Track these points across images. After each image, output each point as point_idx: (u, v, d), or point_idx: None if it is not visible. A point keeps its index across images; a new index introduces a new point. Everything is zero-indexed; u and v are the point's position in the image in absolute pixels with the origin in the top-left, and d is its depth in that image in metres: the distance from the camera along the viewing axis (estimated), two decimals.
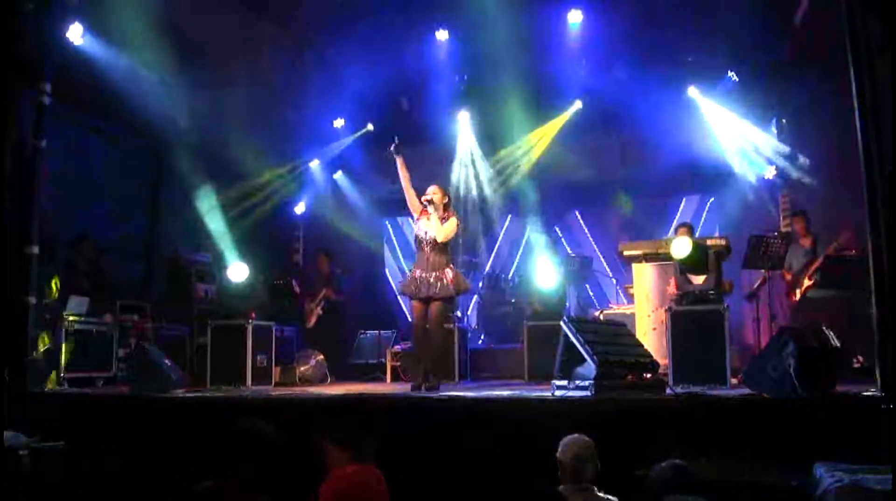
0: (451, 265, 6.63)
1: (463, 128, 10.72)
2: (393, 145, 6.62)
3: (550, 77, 9.57)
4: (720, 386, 5.67)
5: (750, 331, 8.45)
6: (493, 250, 11.70)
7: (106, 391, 6.87)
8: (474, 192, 10.81)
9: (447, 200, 6.68)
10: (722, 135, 9.56)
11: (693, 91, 9.59)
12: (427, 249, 6.57)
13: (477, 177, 10.81)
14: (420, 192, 6.71)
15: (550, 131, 10.43)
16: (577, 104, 10.21)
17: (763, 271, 7.34)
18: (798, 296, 7.73)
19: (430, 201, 6.54)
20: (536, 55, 9.17)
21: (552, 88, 9.72)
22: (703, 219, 10.64)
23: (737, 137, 9.50)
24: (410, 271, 6.70)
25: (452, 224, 6.58)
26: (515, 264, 11.36)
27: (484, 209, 10.88)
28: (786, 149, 9.15)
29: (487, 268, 11.21)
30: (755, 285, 8.01)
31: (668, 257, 6.88)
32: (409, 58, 9.54)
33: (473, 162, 10.85)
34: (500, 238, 11.75)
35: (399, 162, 6.66)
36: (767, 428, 4.37)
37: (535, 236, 10.14)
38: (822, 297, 7.54)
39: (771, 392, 4.78)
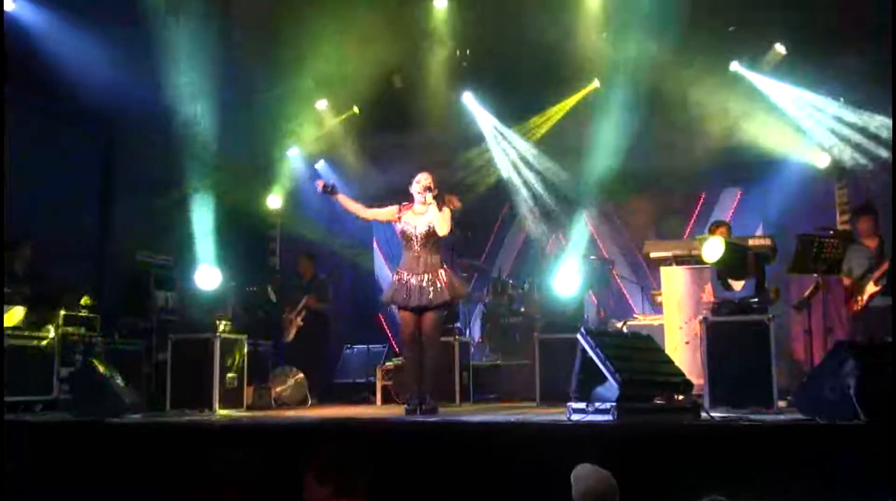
0: (445, 266, 6.55)
1: (475, 109, 10.77)
2: (327, 187, 6.71)
3: (565, 53, 9.51)
4: (765, 410, 5.65)
5: (800, 345, 8.37)
6: (498, 254, 11.63)
7: (46, 417, 6.77)
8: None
9: (436, 191, 6.54)
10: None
11: (735, 66, 9.53)
12: (418, 246, 6.47)
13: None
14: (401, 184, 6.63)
15: (560, 113, 10.41)
16: (595, 83, 10.16)
17: (816, 275, 7.25)
18: (860, 305, 7.62)
19: (429, 188, 6.42)
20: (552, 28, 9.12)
21: (567, 63, 9.66)
22: (743, 215, 10.57)
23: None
24: (396, 275, 6.62)
25: (448, 214, 6.46)
26: (525, 268, 11.29)
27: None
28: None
29: (493, 273, 11.13)
30: (806, 293, 7.92)
31: (702, 260, 6.81)
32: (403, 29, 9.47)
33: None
34: (507, 239, 11.70)
35: (340, 201, 6.75)
36: (823, 460, 4.28)
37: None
38: (889, 306, 7.43)
39: (827, 417, 4.72)
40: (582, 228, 10.54)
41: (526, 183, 10.78)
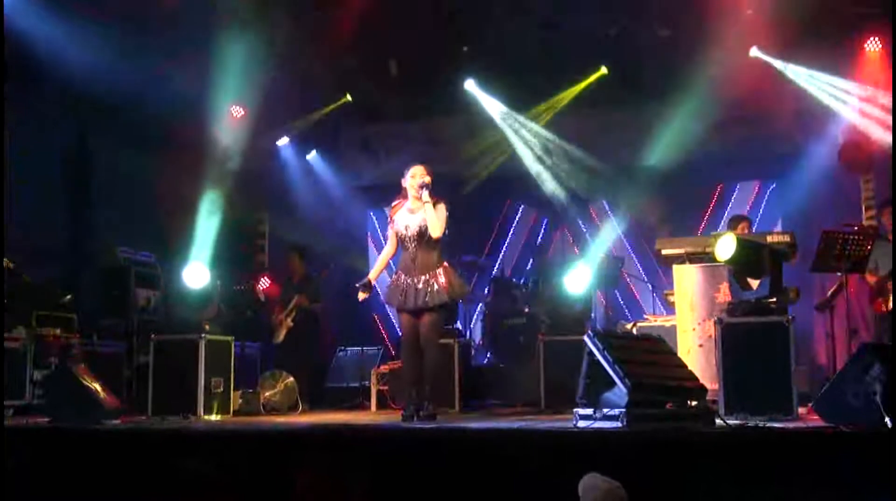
0: (445, 264, 6.51)
1: (479, 96, 10.82)
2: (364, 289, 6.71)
3: (570, 34, 9.51)
4: (784, 417, 5.62)
5: (822, 348, 8.35)
6: (501, 248, 11.63)
7: (17, 422, 6.76)
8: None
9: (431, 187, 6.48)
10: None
11: (755, 51, 9.54)
12: (412, 247, 6.45)
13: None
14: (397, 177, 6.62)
15: (565, 102, 10.42)
16: (602, 70, 10.15)
17: (839, 274, 7.24)
18: (888, 306, 7.62)
19: (424, 185, 6.37)
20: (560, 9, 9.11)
21: (573, 47, 9.65)
22: (761, 210, 10.56)
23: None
24: (394, 275, 6.61)
25: (443, 210, 6.42)
26: (530, 265, 11.29)
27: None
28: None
29: (495, 270, 11.13)
30: (829, 292, 7.91)
31: (716, 257, 6.79)
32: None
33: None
34: (510, 233, 11.70)
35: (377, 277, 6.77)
36: (847, 470, 4.26)
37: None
38: None
39: (851, 424, 4.69)
40: (589, 223, 10.55)
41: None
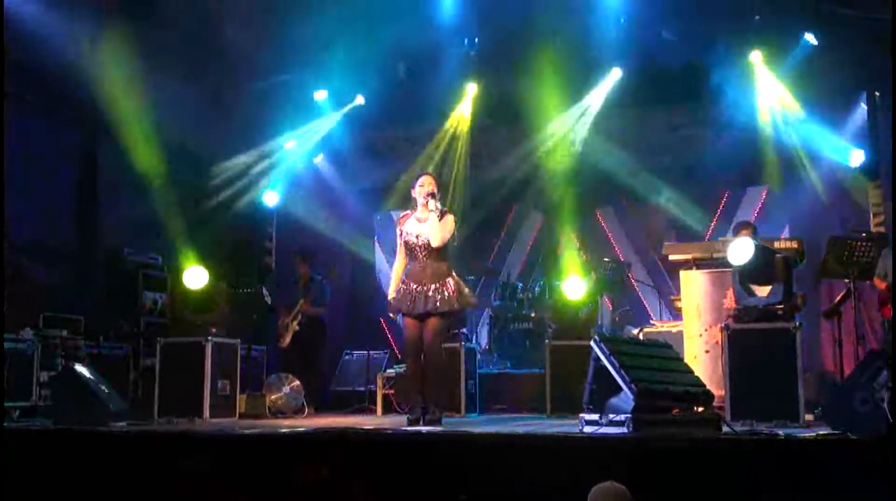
0: (454, 274, 6.54)
1: (466, 101, 10.78)
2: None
3: (582, 41, 9.50)
4: (791, 423, 5.64)
5: (829, 355, 8.32)
6: (507, 254, 11.63)
7: (24, 424, 6.78)
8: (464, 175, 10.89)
9: (439, 193, 6.53)
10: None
11: (756, 56, 9.49)
12: (422, 256, 6.47)
13: (466, 156, 10.84)
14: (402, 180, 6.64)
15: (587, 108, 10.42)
16: (616, 72, 10.12)
17: (847, 281, 7.22)
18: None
19: (432, 194, 6.40)
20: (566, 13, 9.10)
21: (584, 53, 9.64)
22: (769, 215, 10.52)
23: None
24: (402, 284, 6.58)
25: (451, 223, 6.46)
26: (536, 270, 11.27)
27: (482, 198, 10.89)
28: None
29: (501, 275, 11.12)
30: (836, 299, 7.89)
31: (724, 263, 6.79)
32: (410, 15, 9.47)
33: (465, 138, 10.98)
34: (516, 239, 11.69)
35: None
36: (853, 477, 4.24)
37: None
38: None
39: (858, 431, 4.69)
40: (596, 227, 10.52)
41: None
